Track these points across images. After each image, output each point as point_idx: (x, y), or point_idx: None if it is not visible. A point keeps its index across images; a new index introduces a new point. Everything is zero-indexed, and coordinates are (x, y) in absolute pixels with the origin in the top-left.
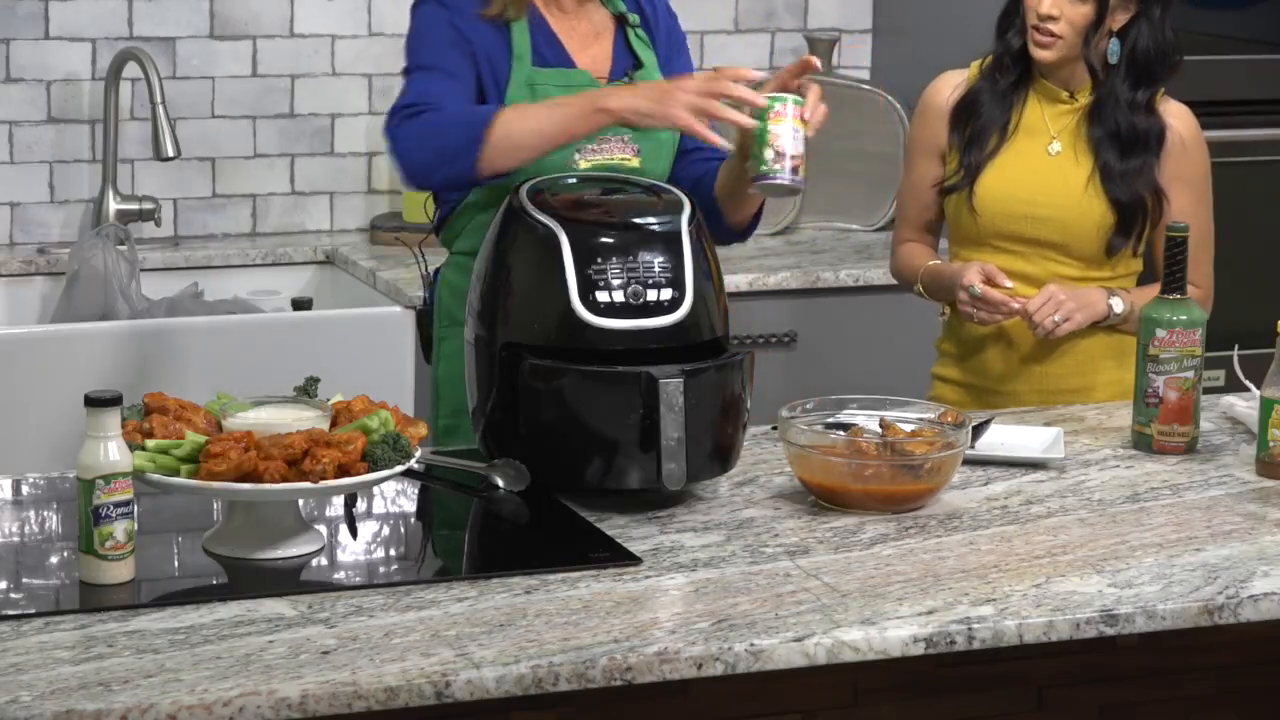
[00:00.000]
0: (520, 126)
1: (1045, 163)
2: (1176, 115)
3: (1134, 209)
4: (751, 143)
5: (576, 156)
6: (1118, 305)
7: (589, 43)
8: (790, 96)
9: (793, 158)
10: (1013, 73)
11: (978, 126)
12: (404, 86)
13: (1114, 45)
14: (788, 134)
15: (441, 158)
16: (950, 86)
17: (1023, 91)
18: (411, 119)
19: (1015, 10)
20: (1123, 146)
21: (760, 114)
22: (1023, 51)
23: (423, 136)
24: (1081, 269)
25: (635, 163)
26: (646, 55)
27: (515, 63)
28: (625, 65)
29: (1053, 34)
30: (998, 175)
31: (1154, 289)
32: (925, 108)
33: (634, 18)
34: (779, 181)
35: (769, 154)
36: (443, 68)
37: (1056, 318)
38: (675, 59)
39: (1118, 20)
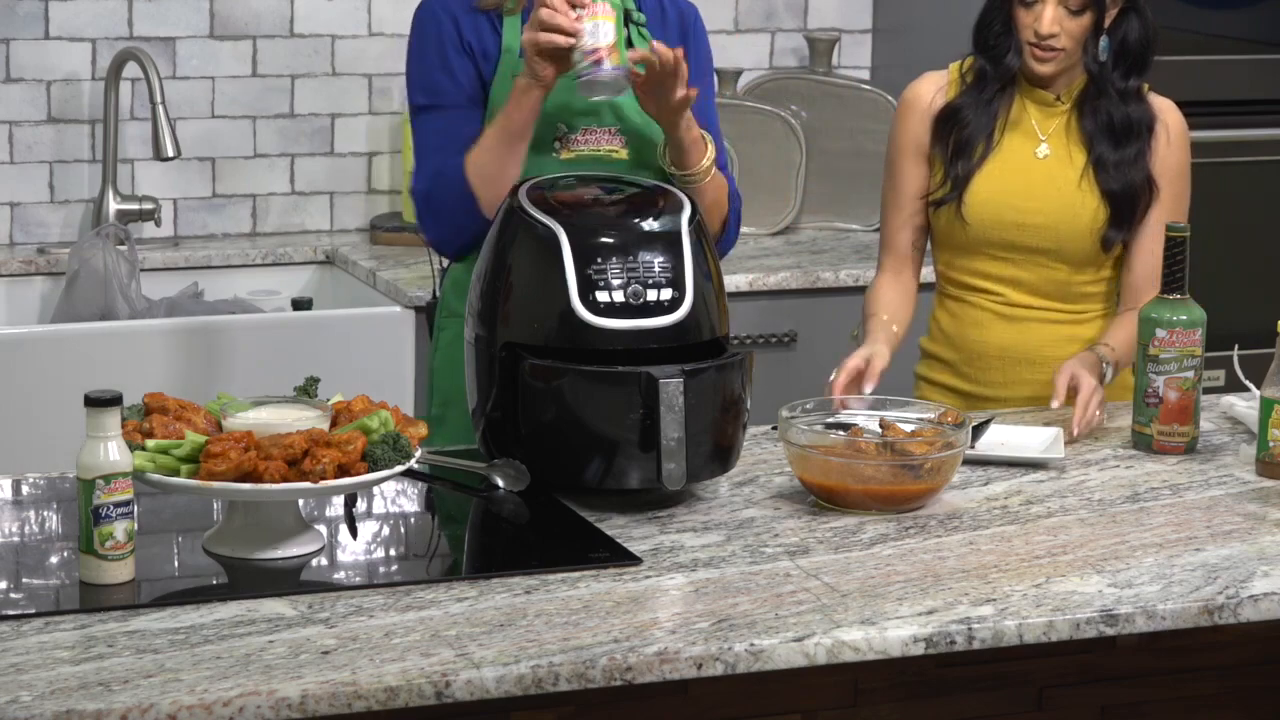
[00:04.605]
0: (482, 157)
1: (1034, 166)
2: (1164, 109)
3: (1128, 198)
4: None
5: (557, 145)
6: (1110, 373)
7: None
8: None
9: (595, 50)
10: (997, 84)
11: (963, 137)
12: (415, 136)
13: (1103, 42)
14: (590, 30)
15: (455, 228)
16: (932, 88)
17: (1007, 98)
18: (424, 202)
19: (997, 24)
20: (1116, 136)
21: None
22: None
23: (434, 218)
24: (1069, 272)
25: (623, 154)
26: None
27: (504, 55)
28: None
29: (1054, 49)
30: (986, 183)
31: (1125, 329)
32: (908, 109)
33: (641, 16)
34: (588, 79)
35: (578, 55)
36: (440, 101)
37: (1094, 413)
38: (692, 69)
39: (1109, 18)
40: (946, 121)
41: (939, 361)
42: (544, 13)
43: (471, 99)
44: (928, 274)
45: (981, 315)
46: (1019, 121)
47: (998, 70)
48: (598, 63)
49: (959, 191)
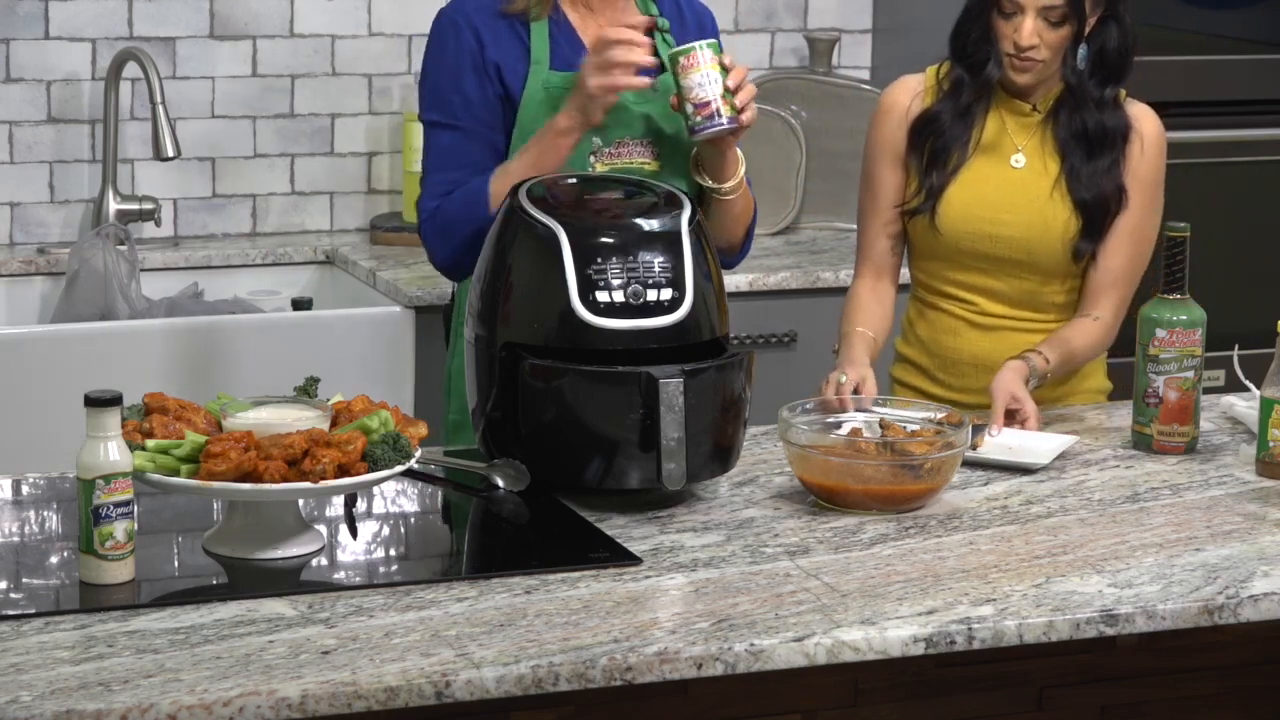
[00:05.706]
0: (506, 189)
1: (1008, 176)
2: (1140, 116)
3: (1099, 207)
4: (680, 103)
5: (592, 159)
6: (1034, 384)
7: None
8: (699, 43)
9: (711, 103)
10: (974, 93)
11: (938, 145)
12: (424, 151)
13: (1082, 50)
14: (700, 82)
15: (465, 248)
16: (909, 93)
17: (983, 107)
18: (430, 220)
19: (975, 32)
20: (1090, 146)
21: (672, 69)
22: (991, 74)
23: (443, 236)
24: (1039, 282)
25: (654, 165)
26: None
27: (533, 67)
28: (649, 71)
29: (1033, 60)
30: (960, 193)
31: (1065, 341)
32: (884, 114)
33: (664, 22)
34: (709, 130)
35: (690, 108)
36: (453, 121)
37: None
38: None
39: (1088, 26)
40: (923, 129)
41: (913, 366)
42: (618, 52)
43: (483, 121)
44: (904, 275)
45: (956, 323)
46: (995, 131)
47: (975, 80)
48: (713, 115)
49: (933, 201)
